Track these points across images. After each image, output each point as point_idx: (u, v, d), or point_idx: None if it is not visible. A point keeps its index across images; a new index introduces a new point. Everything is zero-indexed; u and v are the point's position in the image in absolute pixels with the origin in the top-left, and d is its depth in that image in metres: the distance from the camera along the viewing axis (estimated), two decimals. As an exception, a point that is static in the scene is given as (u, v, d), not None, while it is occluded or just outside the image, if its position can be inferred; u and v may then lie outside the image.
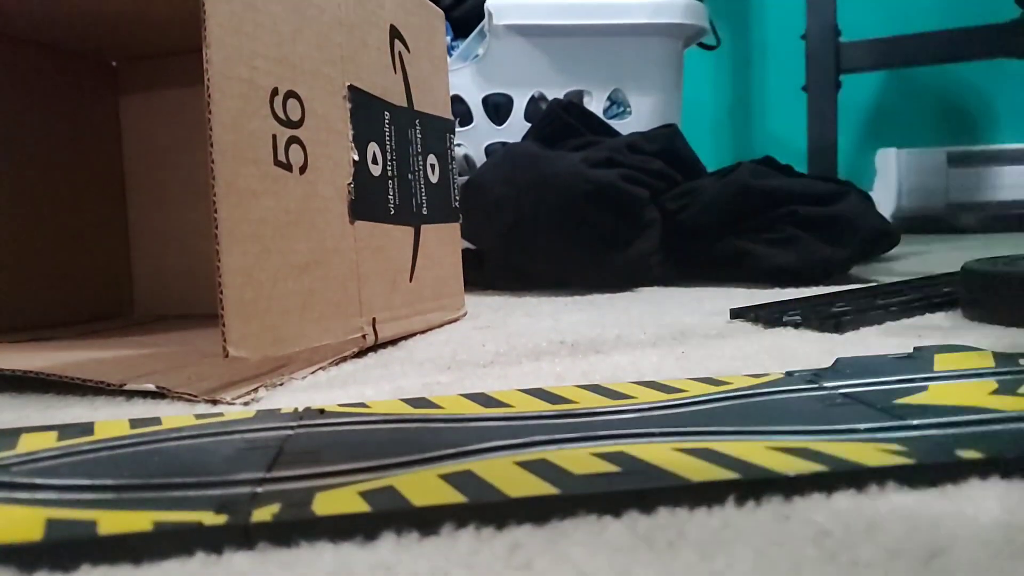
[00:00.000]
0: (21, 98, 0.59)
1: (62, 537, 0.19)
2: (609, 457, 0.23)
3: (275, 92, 0.39)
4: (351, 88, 0.45)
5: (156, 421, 0.29)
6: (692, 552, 0.18)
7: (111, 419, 0.30)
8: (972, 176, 1.54)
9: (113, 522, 0.19)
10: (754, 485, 0.21)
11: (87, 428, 0.28)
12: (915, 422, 0.25)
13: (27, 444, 0.27)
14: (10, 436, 0.28)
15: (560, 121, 0.84)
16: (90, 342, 0.51)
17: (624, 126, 0.88)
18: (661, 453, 0.23)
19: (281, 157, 0.39)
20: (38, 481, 0.23)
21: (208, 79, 0.34)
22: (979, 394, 0.28)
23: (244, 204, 0.36)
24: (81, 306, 0.63)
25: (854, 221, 0.73)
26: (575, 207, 0.71)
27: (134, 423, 0.29)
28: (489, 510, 0.20)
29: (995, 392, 0.28)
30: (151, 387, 0.35)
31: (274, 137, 0.38)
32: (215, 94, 0.35)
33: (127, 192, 0.67)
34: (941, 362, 0.33)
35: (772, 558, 0.17)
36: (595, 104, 0.91)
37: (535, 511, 0.20)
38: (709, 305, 0.60)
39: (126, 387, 0.36)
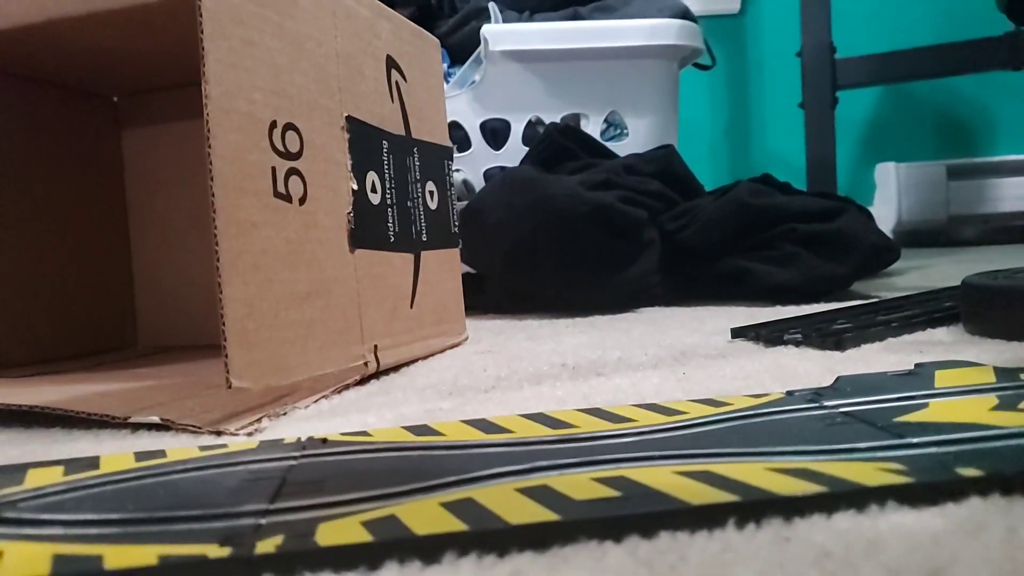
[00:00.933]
0: (23, 134, 0.60)
1: (68, 573, 0.19)
2: (610, 482, 0.23)
3: (274, 125, 0.39)
4: (349, 119, 0.46)
5: (161, 454, 0.29)
6: (693, 576, 0.18)
7: (117, 452, 0.30)
8: (972, 188, 1.54)
9: (119, 557, 0.20)
10: (754, 507, 0.21)
11: (93, 462, 0.29)
12: (915, 440, 0.25)
13: (34, 479, 0.27)
14: (17, 472, 0.28)
15: (557, 144, 0.84)
16: (95, 375, 0.51)
17: (621, 148, 0.89)
18: (661, 477, 0.23)
19: (281, 188, 0.39)
20: (45, 517, 0.23)
21: (207, 113, 0.35)
22: (979, 410, 0.28)
23: (245, 235, 0.36)
24: (85, 339, 0.63)
25: (854, 237, 0.73)
26: (574, 229, 0.71)
27: (139, 456, 0.29)
28: (491, 538, 0.20)
29: (995, 408, 0.28)
30: (155, 419, 0.35)
31: (273, 169, 0.39)
32: (214, 128, 0.35)
33: (130, 225, 0.68)
34: (942, 378, 0.33)
35: (773, 581, 0.18)
36: (592, 127, 0.91)
37: (536, 538, 0.20)
38: (710, 324, 0.60)
39: (131, 420, 0.36)
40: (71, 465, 0.28)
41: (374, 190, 0.48)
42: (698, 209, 0.77)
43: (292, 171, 0.40)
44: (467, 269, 0.72)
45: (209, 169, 0.35)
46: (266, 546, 0.20)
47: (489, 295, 0.78)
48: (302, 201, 0.41)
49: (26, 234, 0.59)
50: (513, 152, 0.89)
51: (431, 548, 0.20)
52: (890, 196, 1.54)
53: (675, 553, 0.19)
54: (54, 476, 0.27)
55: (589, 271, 0.72)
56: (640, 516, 0.21)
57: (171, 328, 0.67)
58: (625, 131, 0.93)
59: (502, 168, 0.88)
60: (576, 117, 0.93)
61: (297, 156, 0.41)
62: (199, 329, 0.64)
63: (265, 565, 0.19)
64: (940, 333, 0.51)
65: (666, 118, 0.94)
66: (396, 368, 0.49)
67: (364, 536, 0.20)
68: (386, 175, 0.50)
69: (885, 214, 1.52)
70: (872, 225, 0.77)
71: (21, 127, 0.60)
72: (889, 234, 0.84)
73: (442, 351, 0.55)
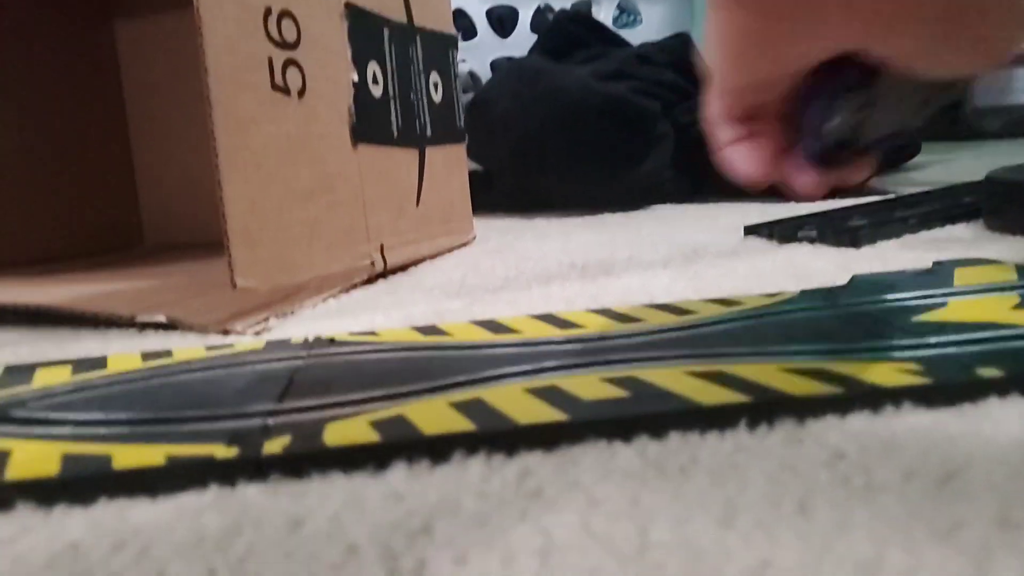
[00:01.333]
0: (15, 30, 0.58)
1: (78, 472, 0.19)
2: (619, 382, 0.22)
3: (268, 12, 0.37)
4: (348, 5, 0.43)
5: (168, 354, 0.29)
6: (704, 477, 0.18)
7: (124, 352, 0.30)
8: (998, 78, 1.48)
9: (127, 456, 0.20)
10: (767, 408, 0.21)
11: (100, 362, 0.28)
12: (933, 340, 0.24)
13: (42, 379, 0.27)
14: (26, 371, 0.28)
15: (567, 33, 0.81)
16: (100, 275, 0.51)
17: (634, 36, 0.85)
18: (672, 377, 0.23)
19: (278, 81, 0.37)
20: (54, 416, 0.23)
21: (197, 1, 0.33)
22: (1000, 309, 0.27)
23: (243, 131, 0.35)
24: (90, 238, 0.63)
25: (873, 131, 0.70)
26: (584, 123, 0.69)
27: (146, 356, 0.29)
28: (499, 438, 0.20)
29: (1017, 307, 0.27)
30: (162, 319, 0.35)
31: (270, 60, 0.37)
32: (205, 16, 0.33)
33: (128, 121, 0.66)
34: (961, 276, 0.33)
35: (785, 482, 0.17)
36: (604, 13, 0.87)
37: (545, 438, 0.20)
38: (723, 221, 0.59)
39: (137, 319, 0.36)
40: (79, 365, 0.28)
41: (376, 81, 0.46)
42: (713, 102, 0.74)
43: (290, 62, 0.38)
44: (474, 166, 0.70)
45: (202, 61, 0.33)
46: (273, 446, 0.20)
47: (497, 193, 0.77)
48: (301, 94, 0.39)
49: (25, 133, 0.58)
50: (521, 41, 0.86)
51: (440, 448, 0.20)
52: (911, 87, 1.49)
53: (686, 454, 0.19)
54: (62, 376, 0.27)
55: (600, 167, 0.70)
56: (650, 416, 0.20)
57: (177, 227, 0.66)
58: (638, 18, 0.89)
59: (509, 58, 0.85)
60: (587, 3, 0.89)
61: (294, 46, 0.39)
62: (205, 227, 0.64)
63: (273, 465, 0.19)
64: (960, 230, 0.49)
65: (680, 4, 0.90)
66: (403, 268, 0.49)
67: (372, 436, 0.20)
68: (388, 66, 0.47)
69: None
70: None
71: (10, 22, 0.57)
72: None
73: (449, 251, 0.55)
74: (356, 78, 0.44)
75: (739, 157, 0.25)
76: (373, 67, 0.46)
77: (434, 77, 0.54)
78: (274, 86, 0.37)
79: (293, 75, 0.39)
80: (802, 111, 0.23)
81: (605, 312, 0.31)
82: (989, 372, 0.22)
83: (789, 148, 0.25)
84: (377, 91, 0.46)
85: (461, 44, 0.85)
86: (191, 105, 0.63)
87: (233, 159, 0.34)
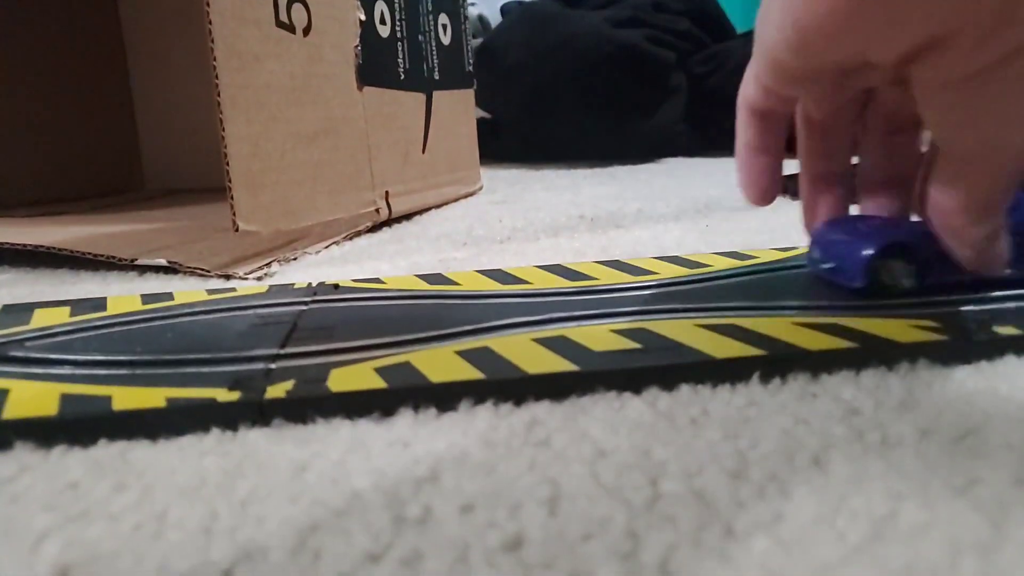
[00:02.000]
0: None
1: (77, 412, 0.19)
2: (629, 333, 0.22)
3: (273, -55, 0.36)
4: (355, -59, 0.42)
5: (168, 296, 0.28)
6: (715, 430, 0.17)
7: (123, 294, 0.30)
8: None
9: (127, 398, 0.19)
10: (780, 362, 0.20)
11: (100, 303, 0.28)
12: (950, 297, 0.24)
13: (41, 319, 0.26)
14: (24, 311, 0.27)
15: (580, -22, 0.78)
16: (101, 216, 0.50)
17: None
18: (684, 329, 0.22)
19: (283, 17, 0.36)
20: (52, 356, 0.23)
21: (199, -70, 0.32)
22: (1018, 268, 0.27)
23: (246, 69, 0.34)
24: (91, 180, 0.62)
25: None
26: (597, 71, 0.67)
27: (146, 299, 0.28)
28: (507, 386, 0.19)
29: (1035, 265, 0.27)
30: (163, 262, 0.35)
31: (275, -4, 0.36)
32: (208, -53, 0.32)
33: (128, 63, 0.65)
34: (978, 234, 0.32)
35: (798, 437, 0.17)
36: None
37: (553, 388, 0.20)
38: (736, 176, 0.58)
39: (138, 262, 0.35)
40: (78, 306, 0.28)
41: (383, 21, 0.45)
42: (729, 52, 0.73)
43: (294, -1, 0.37)
44: (481, 113, 0.69)
45: (204, -5, 0.32)
46: (277, 391, 0.19)
47: (505, 142, 0.75)
48: (306, 32, 0.38)
49: (23, 75, 0.57)
50: (532, -14, 0.83)
51: (447, 395, 0.19)
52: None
53: (697, 406, 0.19)
54: (61, 316, 0.26)
55: (612, 117, 0.69)
56: (661, 368, 0.20)
57: (178, 170, 0.65)
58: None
59: (520, 2, 0.83)
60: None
61: (299, -18, 0.38)
62: (207, 171, 0.63)
63: (276, 410, 0.19)
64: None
65: (698, -49, 0.87)
66: (408, 216, 0.48)
67: (378, 382, 0.19)
68: (396, 5, 0.46)
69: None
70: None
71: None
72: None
73: (456, 200, 0.54)
74: (363, 17, 0.42)
75: (749, 167, 0.25)
76: (380, 6, 0.44)
77: (443, 19, 0.52)
78: (278, 22, 0.36)
79: (298, 12, 0.37)
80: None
81: (615, 264, 0.30)
82: (1006, 330, 0.21)
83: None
84: (384, 31, 0.45)
85: (470, -12, 0.83)
86: (193, 45, 0.62)
87: (236, 98, 0.33)
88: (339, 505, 0.15)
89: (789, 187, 0.49)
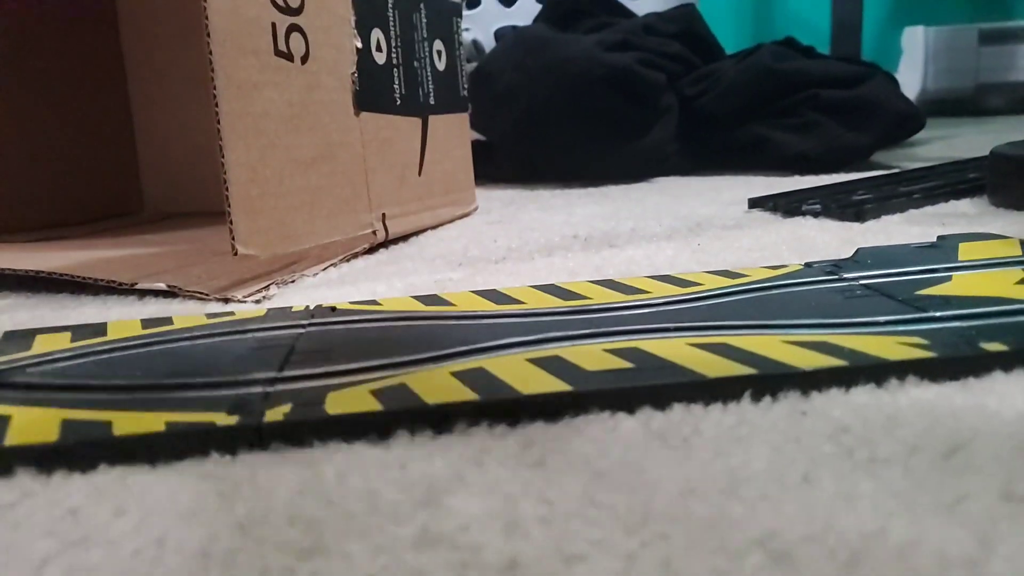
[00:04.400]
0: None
1: (77, 438, 0.19)
2: (622, 353, 0.22)
3: (270, -25, 0.36)
4: (351, -31, 0.43)
5: (168, 321, 0.29)
6: (707, 449, 0.18)
7: (124, 319, 0.30)
8: (1004, 55, 1.46)
9: (127, 423, 0.20)
10: (771, 380, 0.20)
11: (100, 328, 0.28)
12: (938, 314, 0.24)
13: (42, 345, 0.27)
14: (25, 337, 0.28)
15: (572, 2, 0.79)
16: (101, 241, 0.51)
17: (640, 6, 0.84)
18: (676, 349, 0.22)
19: (282, 46, 0.37)
20: (53, 382, 0.23)
21: (198, -39, 0.32)
22: (1004, 284, 0.27)
23: (245, 96, 0.35)
24: (90, 205, 0.62)
25: (878, 105, 0.70)
26: (589, 94, 0.68)
27: (146, 323, 0.29)
28: (502, 407, 0.20)
29: (1021, 281, 0.27)
30: (162, 286, 0.35)
31: (273, 25, 0.36)
32: (206, -22, 0.33)
33: (129, 87, 0.65)
34: (965, 251, 0.32)
35: (789, 455, 0.17)
36: (609, -17, 0.86)
37: (548, 408, 0.20)
38: (727, 195, 0.59)
39: (137, 286, 0.36)
40: (78, 331, 0.28)
41: (379, 49, 0.45)
42: (719, 73, 0.74)
43: (293, 27, 0.38)
44: (477, 136, 0.70)
45: (205, 25, 0.33)
46: (275, 414, 0.19)
47: (500, 163, 0.76)
48: (304, 60, 0.39)
49: (24, 99, 0.57)
50: (525, 9, 0.84)
51: (442, 417, 0.20)
52: (916, 62, 1.47)
53: (689, 425, 0.19)
54: (62, 342, 0.27)
55: (604, 138, 0.70)
56: (654, 388, 0.20)
57: (177, 194, 0.66)
58: (644, -12, 0.88)
59: (514, 27, 0.84)
60: (592, -28, 0.87)
61: (298, 11, 0.38)
62: (205, 195, 0.63)
63: (274, 433, 0.19)
64: (964, 205, 0.49)
65: (688, -26, 0.89)
66: (405, 238, 0.48)
67: (374, 405, 0.20)
68: (392, 33, 0.47)
69: (910, 81, 1.45)
70: (898, 92, 0.73)
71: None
72: (913, 102, 0.80)
73: (451, 221, 0.54)
74: (360, 45, 0.43)
75: None
76: (377, 34, 0.45)
77: (438, 45, 0.53)
78: (277, 51, 0.37)
79: (296, 41, 0.38)
80: None
81: (608, 283, 0.31)
82: (993, 346, 0.21)
83: None
84: (381, 58, 0.46)
85: (465, 12, 0.84)
86: (192, 71, 0.63)
87: (235, 125, 0.34)
88: (337, 527, 0.15)
89: (779, 205, 0.50)
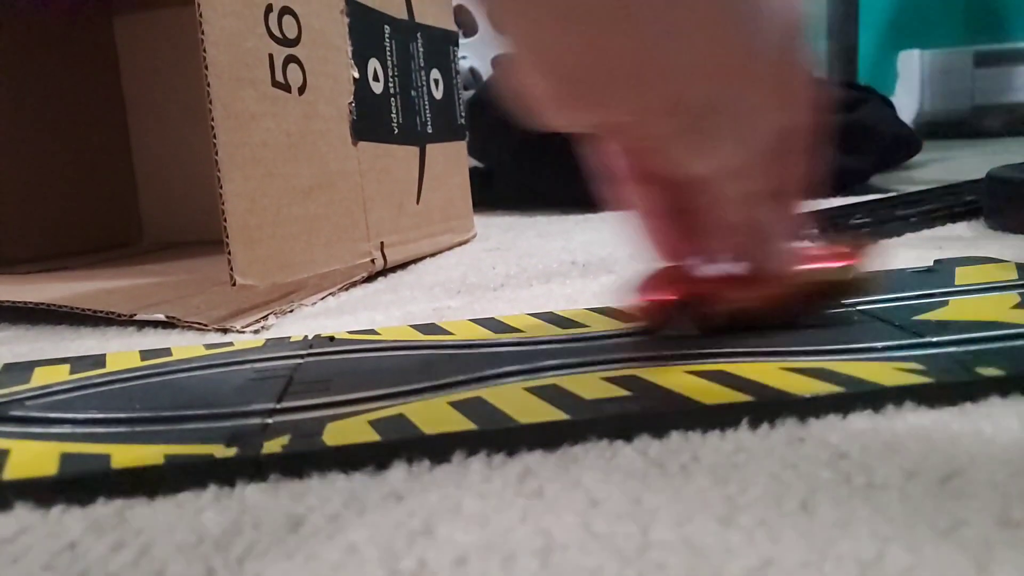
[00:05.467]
0: (14, 26, 0.57)
1: (76, 471, 0.19)
2: (620, 381, 0.22)
3: (270, 8, 0.37)
4: (349, 2, 0.43)
5: (166, 352, 0.29)
6: (705, 477, 0.18)
7: (122, 350, 0.30)
8: (1000, 77, 1.48)
9: (126, 456, 0.20)
10: (768, 407, 0.20)
11: (99, 360, 0.28)
12: (934, 339, 0.24)
13: (41, 378, 0.27)
14: (24, 370, 0.28)
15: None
16: (100, 272, 0.51)
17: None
18: (673, 376, 0.22)
19: (279, 77, 0.37)
20: (52, 415, 0.23)
21: (198, -4, 0.33)
22: (1001, 308, 0.27)
23: (243, 127, 0.35)
24: (89, 236, 0.63)
25: (874, 129, 0.70)
26: (585, 121, 0.68)
27: (145, 355, 0.29)
28: (500, 437, 0.20)
29: (1018, 306, 0.27)
30: (161, 317, 0.35)
31: (271, 56, 0.37)
32: (206, 12, 0.33)
33: (128, 119, 0.66)
34: (962, 275, 0.32)
35: (787, 481, 0.17)
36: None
37: (546, 437, 0.20)
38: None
39: (136, 317, 0.36)
40: (77, 363, 0.28)
41: (376, 78, 0.46)
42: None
43: (290, 58, 0.38)
44: (475, 163, 0.70)
45: (203, 57, 0.33)
46: (273, 446, 0.19)
47: (498, 190, 0.77)
48: (301, 90, 0.39)
49: (22, 128, 0.58)
50: (522, 39, 0.85)
51: (440, 447, 0.20)
52: (912, 85, 1.49)
53: (687, 453, 0.19)
54: (61, 375, 0.27)
55: (600, 165, 0.70)
56: (651, 416, 0.20)
57: (176, 224, 0.66)
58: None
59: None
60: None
61: (295, 42, 0.39)
62: (204, 225, 0.64)
63: (272, 465, 0.19)
64: (961, 228, 0.49)
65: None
66: (403, 265, 0.48)
67: (372, 435, 0.20)
68: (389, 62, 0.47)
69: (906, 104, 1.47)
70: (894, 116, 0.74)
71: (10, 23, 0.57)
72: (910, 125, 0.81)
73: (450, 248, 0.55)
74: (357, 75, 0.44)
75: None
76: (374, 64, 0.46)
77: (435, 74, 0.54)
78: (274, 83, 0.37)
79: (294, 72, 0.38)
80: None
81: (606, 311, 0.31)
82: (990, 371, 0.21)
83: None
84: (378, 88, 0.46)
85: (462, 41, 0.85)
86: (191, 102, 0.63)
87: (233, 156, 0.34)
88: (335, 559, 0.15)
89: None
